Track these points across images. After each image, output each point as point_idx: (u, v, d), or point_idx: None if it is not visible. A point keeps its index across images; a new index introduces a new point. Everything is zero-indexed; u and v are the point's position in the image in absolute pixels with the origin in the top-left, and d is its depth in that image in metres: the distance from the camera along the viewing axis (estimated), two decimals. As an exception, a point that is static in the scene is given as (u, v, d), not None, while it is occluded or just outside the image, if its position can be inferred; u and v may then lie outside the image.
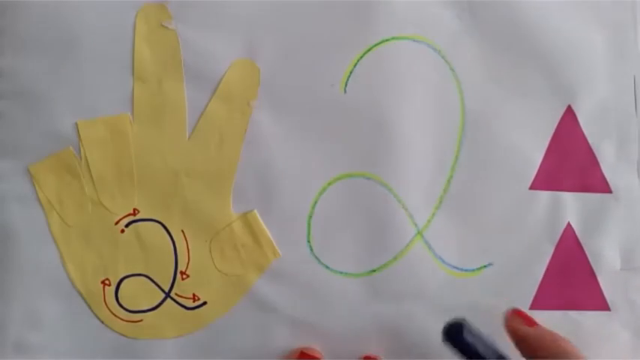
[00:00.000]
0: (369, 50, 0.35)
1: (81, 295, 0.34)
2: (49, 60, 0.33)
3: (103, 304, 0.34)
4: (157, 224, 0.34)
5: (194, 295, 0.34)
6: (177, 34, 0.33)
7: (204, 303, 0.34)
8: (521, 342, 0.32)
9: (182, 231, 0.34)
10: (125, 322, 0.34)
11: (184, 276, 0.34)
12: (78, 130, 0.33)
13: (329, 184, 0.35)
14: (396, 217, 0.35)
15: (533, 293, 0.36)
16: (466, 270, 0.36)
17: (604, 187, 0.37)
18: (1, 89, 0.33)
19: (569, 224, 0.36)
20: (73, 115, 0.33)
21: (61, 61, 0.33)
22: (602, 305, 0.37)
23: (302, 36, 0.34)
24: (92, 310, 0.34)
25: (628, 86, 0.37)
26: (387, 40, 0.35)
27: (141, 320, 0.34)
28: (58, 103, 0.33)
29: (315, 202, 0.35)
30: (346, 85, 0.35)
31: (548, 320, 0.36)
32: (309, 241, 0.35)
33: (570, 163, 0.37)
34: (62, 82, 0.33)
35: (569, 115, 0.36)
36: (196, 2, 0.33)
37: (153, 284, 0.34)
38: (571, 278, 0.37)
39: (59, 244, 0.33)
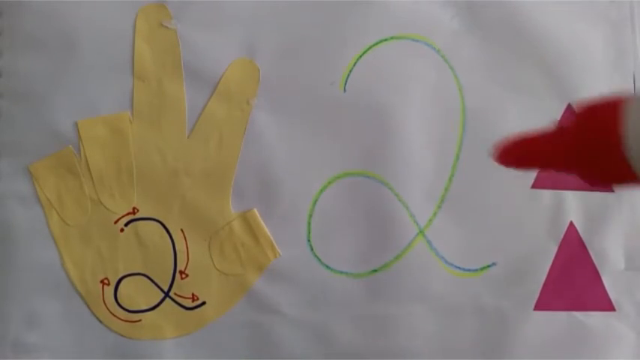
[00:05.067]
0: (368, 49, 0.35)
1: (80, 294, 0.34)
2: (49, 60, 0.33)
3: (102, 303, 0.34)
4: (156, 223, 0.34)
5: (193, 294, 0.34)
6: (177, 34, 0.34)
7: (204, 303, 0.34)
8: None
9: (181, 230, 0.34)
10: (124, 322, 0.34)
11: (183, 275, 0.34)
12: (78, 130, 0.33)
13: (329, 182, 0.35)
14: (397, 217, 0.35)
15: (537, 294, 0.36)
16: (468, 270, 0.36)
17: (606, 186, 0.36)
18: (1, 89, 0.33)
19: (571, 223, 0.36)
20: (73, 114, 0.33)
21: (61, 61, 0.33)
22: (608, 306, 0.36)
23: (301, 35, 0.34)
24: (91, 310, 0.34)
25: (627, 84, 0.37)
26: (386, 40, 0.35)
27: (140, 320, 0.34)
28: (58, 102, 0.33)
29: (316, 201, 0.35)
30: (346, 83, 0.35)
31: (553, 321, 0.36)
32: (309, 241, 0.34)
33: (572, 162, 0.36)
34: (62, 81, 0.33)
35: (570, 113, 0.36)
36: (196, 2, 0.34)
37: (152, 284, 0.34)
38: (575, 278, 0.36)
39: (59, 244, 0.33)
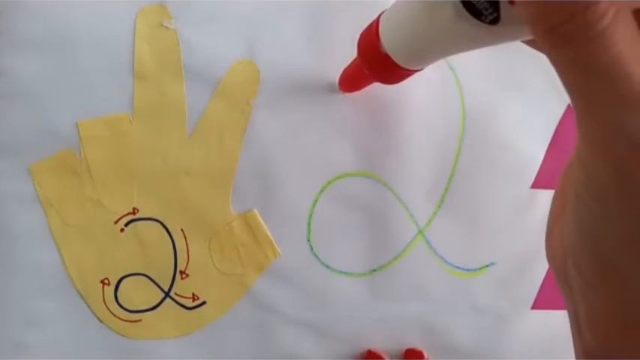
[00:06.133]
0: (368, 50, 0.35)
1: (80, 294, 0.34)
2: (49, 60, 0.33)
3: (103, 303, 0.34)
4: (156, 223, 0.34)
5: (193, 294, 0.34)
6: (177, 34, 0.33)
7: (204, 302, 0.34)
8: None
9: (182, 230, 0.34)
10: (124, 322, 0.34)
11: (184, 275, 0.34)
12: (78, 130, 0.33)
13: (329, 183, 0.35)
14: (396, 217, 0.35)
15: (535, 293, 0.36)
16: (467, 270, 0.36)
17: (605, 186, 0.36)
18: (1, 89, 0.33)
19: (570, 223, 0.36)
20: (73, 114, 0.33)
21: (61, 61, 0.33)
22: (605, 305, 0.36)
23: (301, 36, 0.34)
24: (91, 310, 0.34)
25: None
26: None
27: (140, 320, 0.34)
28: (58, 103, 0.33)
29: (315, 202, 0.35)
30: (345, 84, 0.35)
31: (550, 320, 0.36)
32: (309, 240, 0.35)
33: (571, 162, 0.37)
34: (62, 82, 0.33)
35: (570, 114, 0.36)
36: (196, 2, 0.33)
37: (152, 284, 0.34)
38: (573, 278, 0.36)
39: (59, 244, 0.33)
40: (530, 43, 0.22)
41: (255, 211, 0.34)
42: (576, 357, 0.20)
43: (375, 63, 0.28)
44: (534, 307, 0.36)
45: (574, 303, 0.19)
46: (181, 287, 0.34)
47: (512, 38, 0.21)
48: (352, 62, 0.31)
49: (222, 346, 0.34)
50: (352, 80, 0.32)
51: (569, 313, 0.20)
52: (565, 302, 0.20)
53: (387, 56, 0.27)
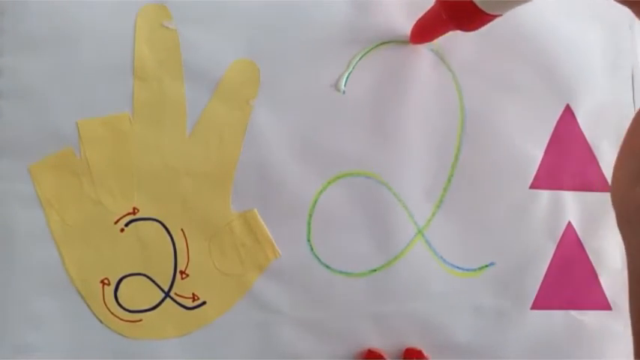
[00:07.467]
0: (369, 51, 0.35)
1: (80, 294, 0.33)
2: (49, 60, 0.33)
3: (103, 303, 0.33)
4: (156, 223, 0.34)
5: (194, 294, 0.34)
6: (177, 34, 0.34)
7: (204, 302, 0.34)
8: None
9: (182, 230, 0.34)
10: (124, 322, 0.34)
11: (184, 275, 0.34)
12: (78, 130, 0.33)
13: (329, 183, 0.35)
14: (396, 216, 0.35)
15: (535, 293, 0.36)
16: (467, 269, 0.36)
17: (604, 186, 0.37)
18: (1, 89, 0.33)
19: (569, 223, 0.36)
20: (73, 114, 0.33)
21: (61, 61, 0.33)
22: (604, 305, 0.37)
23: (302, 36, 0.34)
24: (91, 310, 0.34)
25: (626, 85, 0.37)
26: (385, 43, 0.35)
27: (140, 320, 0.34)
28: (58, 102, 0.33)
29: (315, 202, 0.35)
30: (345, 85, 0.35)
31: (550, 320, 0.36)
32: (309, 241, 0.35)
33: (570, 162, 0.37)
34: (62, 81, 0.33)
35: (568, 114, 0.37)
36: (196, 2, 0.34)
37: (152, 284, 0.34)
38: (572, 278, 0.36)
39: (59, 244, 0.33)
40: None
41: (255, 211, 0.34)
42: (630, 285, 0.23)
43: (457, 8, 0.29)
44: (534, 307, 0.36)
45: (637, 235, 0.21)
46: (181, 287, 0.34)
47: None
48: (429, 10, 0.32)
49: (223, 346, 0.34)
50: (427, 29, 0.33)
51: (627, 253, 0.23)
52: (625, 243, 0.23)
53: (470, 1, 0.27)
